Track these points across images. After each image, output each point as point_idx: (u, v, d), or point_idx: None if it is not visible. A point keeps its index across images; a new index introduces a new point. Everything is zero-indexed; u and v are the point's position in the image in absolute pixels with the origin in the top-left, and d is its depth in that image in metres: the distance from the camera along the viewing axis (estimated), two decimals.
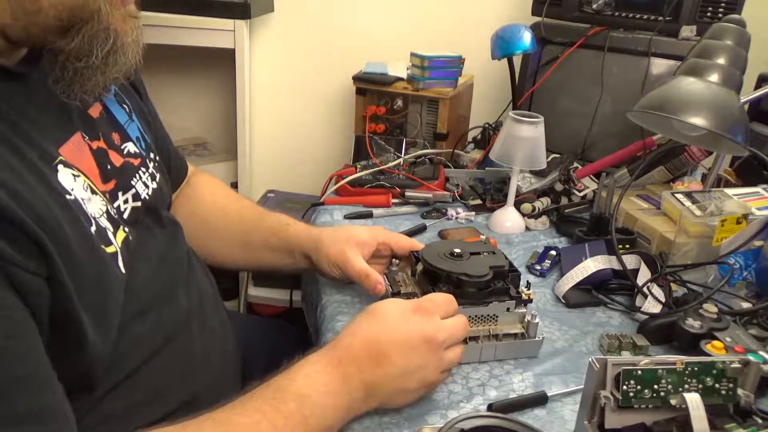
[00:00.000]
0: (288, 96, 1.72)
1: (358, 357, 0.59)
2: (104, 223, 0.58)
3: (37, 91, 0.56)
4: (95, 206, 0.57)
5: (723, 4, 1.13)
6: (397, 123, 1.36)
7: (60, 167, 0.54)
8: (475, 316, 0.72)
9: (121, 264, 0.58)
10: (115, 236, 0.59)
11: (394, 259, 0.84)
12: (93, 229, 0.55)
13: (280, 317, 1.62)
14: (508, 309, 0.72)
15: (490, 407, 0.64)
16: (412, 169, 1.23)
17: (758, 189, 1.02)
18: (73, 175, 0.55)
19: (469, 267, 0.73)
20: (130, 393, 0.59)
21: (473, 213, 1.14)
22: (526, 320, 0.73)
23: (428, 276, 0.75)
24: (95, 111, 0.65)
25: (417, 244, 0.84)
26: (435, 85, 1.31)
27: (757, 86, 1.14)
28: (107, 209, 0.59)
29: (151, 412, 0.61)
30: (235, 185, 1.69)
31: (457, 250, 0.75)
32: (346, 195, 1.18)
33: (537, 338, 0.73)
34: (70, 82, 0.54)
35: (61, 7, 0.50)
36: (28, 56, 0.55)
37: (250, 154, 1.67)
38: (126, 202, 0.65)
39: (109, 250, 0.57)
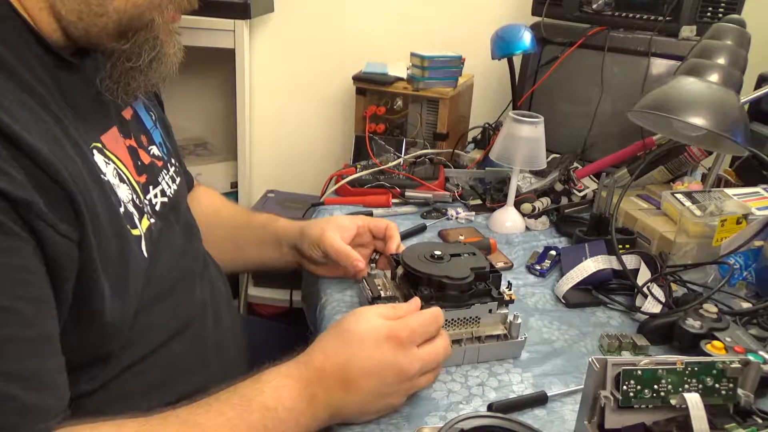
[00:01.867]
0: (288, 96, 1.73)
1: (328, 380, 0.59)
2: (131, 208, 0.61)
3: (85, 82, 0.60)
4: (123, 192, 0.60)
5: (723, 4, 1.13)
6: (397, 123, 1.36)
7: (95, 152, 0.57)
8: (457, 319, 0.71)
9: (143, 248, 0.61)
10: (140, 222, 0.62)
11: (372, 264, 0.84)
12: (121, 210, 0.58)
13: (280, 317, 1.62)
14: (490, 310, 0.72)
15: (490, 407, 0.64)
16: (412, 169, 1.23)
17: (758, 189, 1.02)
18: (105, 162, 0.58)
19: (450, 269, 0.72)
20: (147, 373, 0.61)
21: (473, 213, 1.14)
22: (508, 321, 0.72)
23: (409, 279, 0.74)
24: (127, 113, 0.70)
25: (393, 227, 0.84)
26: (435, 85, 1.31)
27: (757, 86, 1.14)
28: (133, 198, 0.62)
29: (165, 393, 0.63)
30: (235, 185, 1.69)
31: (438, 252, 0.74)
32: (346, 195, 1.18)
33: (519, 339, 0.72)
34: (117, 80, 0.59)
35: (124, 14, 0.55)
36: (80, 49, 0.59)
37: (250, 154, 1.67)
38: (156, 196, 0.69)
39: (134, 232, 0.60)
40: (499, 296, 0.72)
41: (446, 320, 0.70)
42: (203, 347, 0.70)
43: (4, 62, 0.49)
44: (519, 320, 0.72)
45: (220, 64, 1.61)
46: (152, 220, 0.65)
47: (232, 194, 1.69)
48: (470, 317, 0.71)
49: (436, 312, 0.64)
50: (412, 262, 0.73)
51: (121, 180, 0.61)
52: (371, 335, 0.60)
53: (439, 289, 0.70)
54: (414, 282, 0.73)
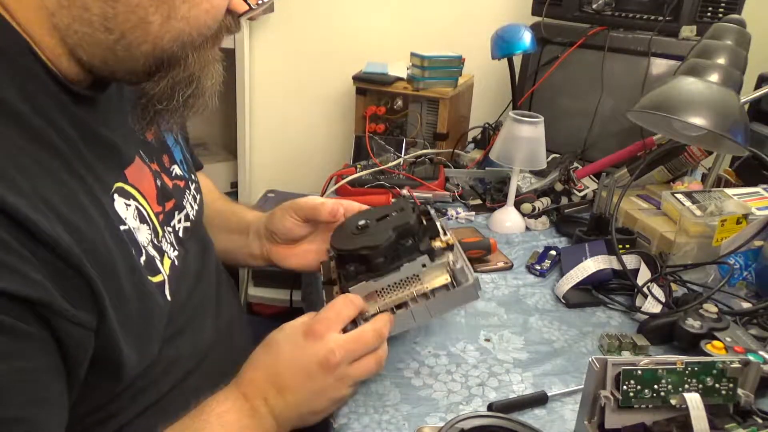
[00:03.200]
0: (288, 96, 1.73)
1: (262, 390, 0.59)
2: (152, 251, 0.58)
3: (105, 115, 0.57)
4: (143, 235, 0.57)
5: (723, 4, 1.14)
6: (397, 123, 1.36)
7: (116, 196, 0.54)
8: (394, 284, 0.66)
9: (167, 292, 0.59)
10: (162, 264, 0.59)
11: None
12: (143, 259, 0.55)
13: (280, 317, 1.62)
14: (424, 265, 0.65)
15: (490, 407, 0.65)
16: (412, 169, 1.23)
17: (758, 189, 1.02)
18: (126, 204, 0.56)
19: (370, 238, 0.67)
20: (162, 415, 0.59)
21: (473, 213, 1.14)
22: (449, 268, 0.66)
23: (338, 260, 0.70)
24: (150, 134, 0.67)
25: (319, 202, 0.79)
26: (435, 85, 1.31)
27: (757, 86, 1.14)
28: (152, 239, 0.59)
29: None
30: (235, 185, 1.69)
31: (362, 222, 0.70)
32: (346, 195, 1.18)
33: (469, 282, 0.65)
34: (149, 122, 0.56)
35: (151, 57, 0.50)
36: (96, 81, 0.55)
37: (250, 154, 1.67)
38: (180, 221, 0.67)
39: (156, 279, 0.57)
40: (428, 248, 0.66)
41: (382, 288, 0.66)
42: (220, 376, 0.67)
43: (20, 114, 0.46)
44: (459, 264, 0.66)
45: None
46: (174, 254, 0.63)
47: (232, 194, 1.70)
48: (407, 278, 0.66)
49: (344, 297, 0.64)
50: (337, 241, 0.70)
51: (142, 220, 0.58)
52: (289, 337, 0.62)
53: (363, 262, 0.66)
54: (342, 261, 0.69)
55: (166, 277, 0.59)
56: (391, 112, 1.35)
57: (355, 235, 0.69)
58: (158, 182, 0.63)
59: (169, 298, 0.59)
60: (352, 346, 0.61)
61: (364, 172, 1.19)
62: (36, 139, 0.47)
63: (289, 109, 1.74)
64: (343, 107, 1.70)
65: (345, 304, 0.64)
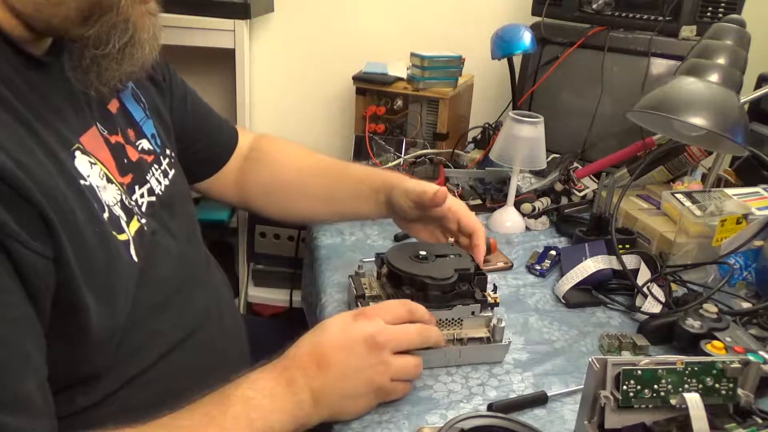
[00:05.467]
0: (288, 96, 1.72)
1: (302, 363, 0.60)
2: (118, 211, 0.59)
3: (61, 81, 0.58)
4: (110, 194, 0.58)
5: (723, 4, 1.14)
6: (397, 123, 1.36)
7: (78, 153, 0.56)
8: (439, 320, 0.70)
9: (133, 252, 0.59)
10: (128, 225, 0.60)
11: (360, 263, 0.81)
12: (105, 215, 0.56)
13: (280, 317, 1.62)
14: (473, 312, 0.71)
15: (490, 407, 0.65)
16: (412, 169, 1.23)
17: (758, 189, 1.02)
18: (90, 162, 0.57)
19: (434, 270, 0.71)
20: (148, 387, 0.60)
21: (473, 213, 1.13)
22: (492, 324, 0.71)
23: (392, 279, 0.74)
24: (113, 107, 0.67)
25: (482, 234, 0.82)
26: (435, 85, 1.31)
27: (757, 86, 1.14)
28: (122, 198, 0.60)
29: (170, 408, 0.62)
30: None
31: (423, 253, 0.74)
32: None
33: (503, 342, 0.72)
34: (86, 70, 0.56)
35: (83, 0, 0.52)
36: (53, 47, 0.57)
37: None
38: (142, 196, 0.67)
39: (121, 237, 0.58)
40: (483, 299, 0.71)
41: None
42: (206, 356, 0.69)
43: None
44: (503, 324, 0.71)
45: (220, 64, 1.61)
46: (143, 221, 0.63)
47: None
48: (453, 319, 0.71)
49: (400, 300, 0.66)
50: (396, 261, 0.73)
51: (109, 180, 0.59)
52: (339, 320, 0.64)
53: (421, 289, 0.70)
54: (397, 281, 0.73)
55: (130, 238, 0.59)
56: (391, 112, 1.35)
57: (414, 261, 0.73)
58: (116, 154, 0.64)
59: (135, 258, 0.59)
60: (398, 335, 0.63)
61: None
62: None
63: (289, 109, 1.74)
64: (343, 107, 1.70)
65: (399, 304, 0.66)
